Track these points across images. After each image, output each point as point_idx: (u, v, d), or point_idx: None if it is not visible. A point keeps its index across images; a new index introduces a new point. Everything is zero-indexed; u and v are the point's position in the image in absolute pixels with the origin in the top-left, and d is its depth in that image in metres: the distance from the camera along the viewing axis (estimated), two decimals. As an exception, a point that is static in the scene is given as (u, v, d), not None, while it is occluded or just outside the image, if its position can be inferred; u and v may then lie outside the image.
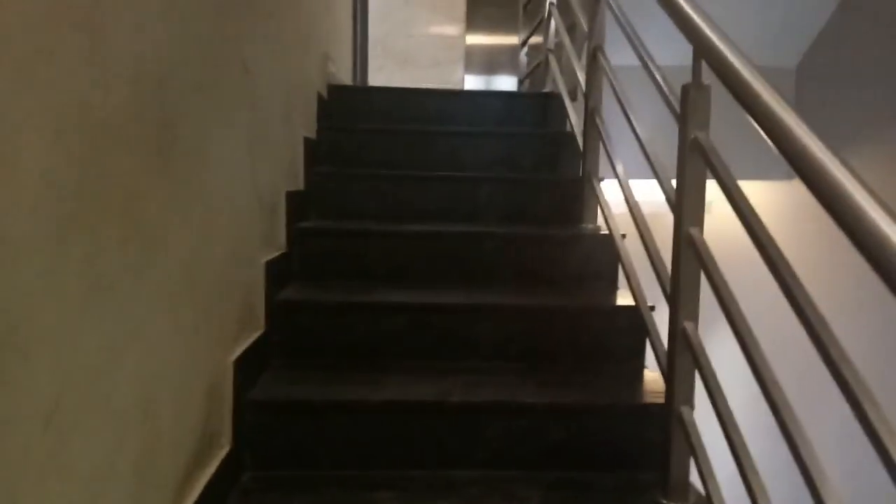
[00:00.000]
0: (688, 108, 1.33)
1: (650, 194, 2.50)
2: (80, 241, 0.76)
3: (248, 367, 1.49)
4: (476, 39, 5.21)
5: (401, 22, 4.76)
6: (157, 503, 1.01)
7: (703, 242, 1.30)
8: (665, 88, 1.50)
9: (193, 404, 1.17)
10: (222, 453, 1.31)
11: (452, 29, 4.92)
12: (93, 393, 0.79)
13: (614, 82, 1.93)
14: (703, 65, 1.29)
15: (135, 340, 0.91)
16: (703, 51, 1.25)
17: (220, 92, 1.29)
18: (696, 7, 1.32)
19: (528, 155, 2.60)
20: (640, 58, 1.67)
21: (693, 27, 1.27)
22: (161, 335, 1.01)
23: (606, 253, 2.03)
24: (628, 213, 1.78)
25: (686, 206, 1.34)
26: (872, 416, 0.78)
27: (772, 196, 3.23)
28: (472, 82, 5.22)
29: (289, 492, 1.40)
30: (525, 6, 3.60)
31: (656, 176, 1.52)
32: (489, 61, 5.35)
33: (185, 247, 1.10)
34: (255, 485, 1.42)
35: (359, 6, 3.87)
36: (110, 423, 0.84)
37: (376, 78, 4.43)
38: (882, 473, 0.76)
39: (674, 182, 1.43)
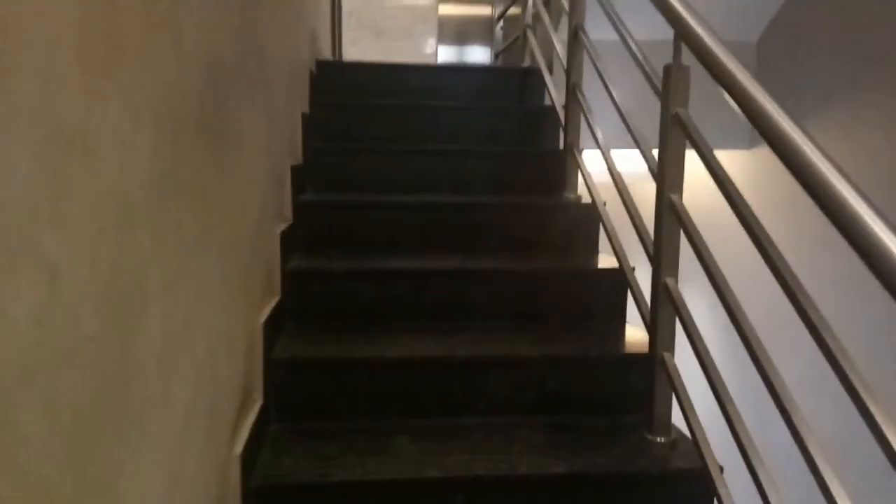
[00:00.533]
0: (669, 86, 1.48)
1: (624, 164, 2.67)
2: (173, 210, 0.88)
3: (272, 329, 1.62)
4: (448, 10, 5.27)
5: (374, -6, 4.81)
6: (220, 443, 1.14)
7: (684, 207, 1.46)
8: (647, 67, 1.65)
9: (239, 360, 1.30)
10: (257, 406, 1.45)
11: (425, 1, 4.98)
12: (184, 341, 0.92)
13: (595, 60, 2.08)
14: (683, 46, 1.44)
15: (205, 299, 1.04)
16: (684, 36, 1.40)
17: (246, 75, 1.40)
18: (677, -4, 1.46)
19: (510, 127, 2.74)
20: (622, 38, 1.82)
21: (676, 15, 1.41)
22: (219, 297, 1.13)
23: (588, 220, 2.20)
24: (606, 183, 1.94)
25: (668, 175, 1.50)
26: (833, 347, 0.96)
27: (734, 164, 3.45)
28: (445, 53, 5.30)
29: (315, 440, 1.54)
30: (500, -19, 3.70)
31: (639, 147, 1.67)
32: (461, 32, 5.43)
33: (231, 218, 1.22)
34: (284, 435, 1.56)
35: (335, -20, 3.91)
36: (194, 369, 0.97)
37: (351, 51, 4.48)
38: (844, 410, 0.94)
39: (655, 152, 1.59)
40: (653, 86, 1.60)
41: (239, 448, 1.25)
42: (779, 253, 1.11)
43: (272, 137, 1.70)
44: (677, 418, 1.56)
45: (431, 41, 5.03)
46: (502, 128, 2.74)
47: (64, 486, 0.61)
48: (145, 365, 0.79)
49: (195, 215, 0.99)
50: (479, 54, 5.53)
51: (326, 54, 3.36)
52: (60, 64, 0.59)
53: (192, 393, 0.97)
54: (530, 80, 2.99)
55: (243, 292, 1.35)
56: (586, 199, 2.22)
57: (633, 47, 1.74)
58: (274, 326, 1.65)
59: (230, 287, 1.23)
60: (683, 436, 1.54)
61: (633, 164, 2.06)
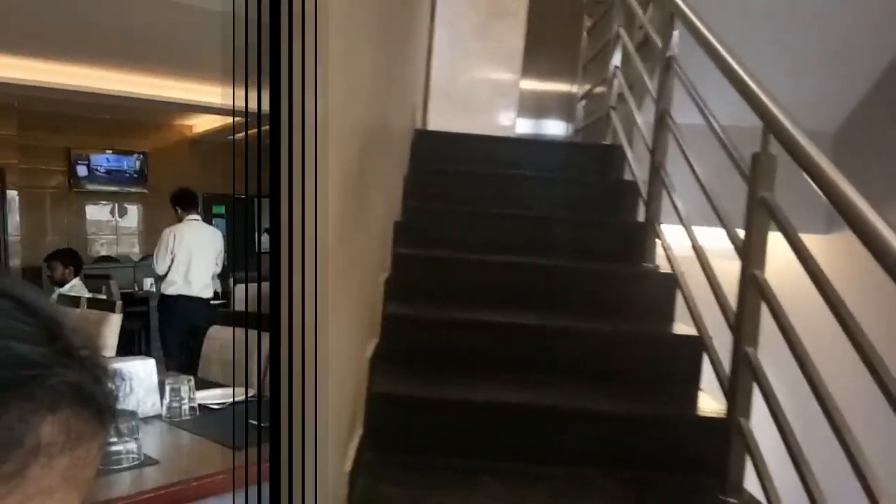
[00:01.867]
0: (757, 172, 1.62)
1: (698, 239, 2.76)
2: (345, 248, 1.07)
3: (373, 366, 1.78)
4: (528, 85, 5.57)
5: (462, 70, 5.14)
6: (338, 459, 1.30)
7: (766, 282, 1.57)
8: (734, 153, 1.78)
9: (352, 389, 1.46)
10: (359, 433, 1.60)
11: (508, 77, 5.28)
12: (335, 359, 1.09)
13: (681, 142, 2.23)
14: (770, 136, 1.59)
15: (346, 329, 1.21)
16: (773, 128, 1.55)
17: (375, 143, 1.62)
18: (768, 92, 1.61)
19: (592, 198, 2.90)
20: (709, 125, 1.96)
21: (766, 110, 1.56)
22: (353, 328, 1.31)
23: (666, 289, 2.30)
24: (681, 257, 2.06)
25: (752, 252, 1.62)
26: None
27: (810, 247, 3.49)
28: (523, 126, 5.57)
29: (405, 472, 1.67)
30: (585, 65, 3.94)
31: (724, 225, 1.79)
32: (538, 106, 5.71)
33: (365, 261, 1.41)
34: (376, 464, 1.69)
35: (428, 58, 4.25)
36: (335, 386, 1.14)
37: (438, 121, 4.76)
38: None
39: (739, 231, 1.71)
40: (739, 170, 1.73)
41: (348, 466, 1.40)
42: (860, 328, 1.21)
43: (386, 196, 1.92)
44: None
45: (511, 114, 5.30)
46: (584, 198, 2.90)
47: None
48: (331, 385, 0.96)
49: (348, 255, 1.18)
50: (554, 127, 5.78)
51: (419, 124, 3.64)
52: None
53: (333, 407, 1.13)
54: (611, 156, 3.16)
55: (361, 328, 1.53)
56: (664, 269, 2.33)
57: (721, 134, 1.88)
58: (375, 363, 1.81)
59: (357, 321, 1.40)
60: (755, 499, 1.60)
61: (705, 240, 2.17)
